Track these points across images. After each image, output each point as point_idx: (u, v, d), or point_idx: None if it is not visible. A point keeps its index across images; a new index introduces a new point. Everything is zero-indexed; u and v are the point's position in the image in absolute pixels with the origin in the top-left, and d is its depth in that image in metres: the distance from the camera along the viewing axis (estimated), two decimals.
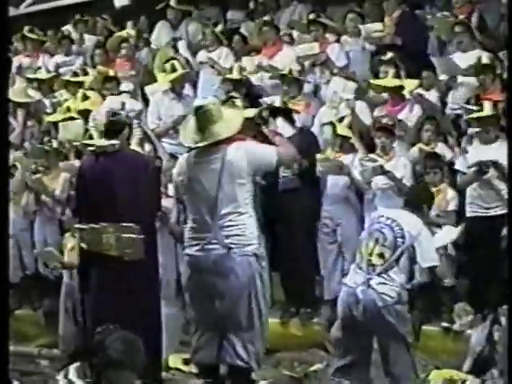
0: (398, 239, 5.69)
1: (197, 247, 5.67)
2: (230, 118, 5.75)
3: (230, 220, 5.58)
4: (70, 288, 7.39)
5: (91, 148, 6.31)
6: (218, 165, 5.58)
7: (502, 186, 6.95)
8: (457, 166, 7.32)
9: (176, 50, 10.24)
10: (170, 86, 9.01)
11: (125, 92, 9.35)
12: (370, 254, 5.69)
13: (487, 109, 7.19)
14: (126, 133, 6.16)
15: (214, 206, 5.58)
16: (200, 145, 5.65)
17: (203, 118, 5.63)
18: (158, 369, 6.22)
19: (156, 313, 6.08)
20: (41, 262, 8.35)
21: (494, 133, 7.16)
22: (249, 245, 5.60)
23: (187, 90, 9.32)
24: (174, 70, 9.05)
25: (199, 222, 5.68)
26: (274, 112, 7.62)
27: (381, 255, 5.68)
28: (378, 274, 5.63)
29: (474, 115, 7.31)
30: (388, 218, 5.78)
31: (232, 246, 5.57)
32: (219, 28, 10.16)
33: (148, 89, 9.57)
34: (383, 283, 5.61)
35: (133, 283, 5.87)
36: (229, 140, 5.63)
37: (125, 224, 5.83)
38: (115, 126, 6.10)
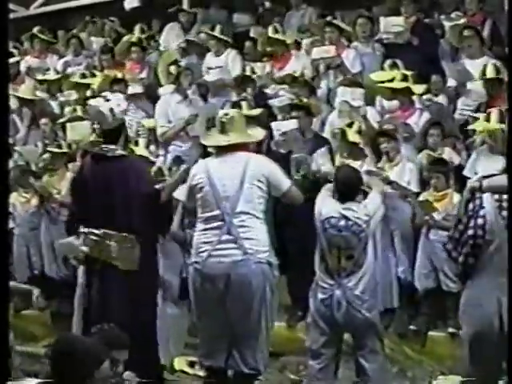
0: (360, 235, 5.79)
1: (209, 252, 5.67)
2: (253, 131, 6.13)
3: (246, 221, 5.66)
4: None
5: (93, 151, 6.25)
6: (240, 168, 5.75)
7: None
8: (465, 173, 7.31)
9: (185, 52, 10.23)
10: (175, 87, 9.04)
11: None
12: (339, 261, 5.80)
13: (494, 120, 7.18)
14: (124, 134, 6.12)
15: (234, 203, 5.67)
16: (223, 144, 5.85)
17: (228, 122, 5.89)
18: (158, 369, 6.21)
19: (151, 321, 6.00)
20: (60, 256, 8.32)
21: (501, 145, 7.15)
22: (263, 251, 5.65)
23: (193, 93, 9.31)
24: (179, 71, 9.11)
25: (213, 220, 5.70)
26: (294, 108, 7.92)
27: (349, 257, 5.80)
28: (351, 274, 5.78)
29: (480, 127, 7.35)
30: (340, 219, 5.82)
31: (248, 250, 5.61)
32: (220, 30, 10.06)
33: (161, 91, 9.58)
34: (357, 282, 5.78)
35: (128, 290, 5.83)
36: (250, 151, 5.92)
37: (122, 234, 5.81)
38: (112, 133, 6.04)
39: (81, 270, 7.38)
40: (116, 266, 5.86)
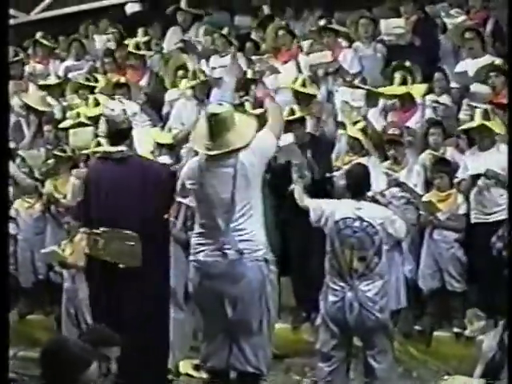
0: (374, 237, 5.80)
1: (206, 252, 5.65)
2: (243, 128, 5.70)
3: (243, 223, 5.57)
4: (72, 292, 7.45)
5: (98, 154, 6.33)
6: (231, 169, 5.56)
7: (499, 192, 6.95)
8: (458, 174, 7.33)
9: (185, 52, 10.23)
10: (192, 92, 9.05)
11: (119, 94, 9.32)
12: (351, 262, 5.79)
13: (477, 118, 7.21)
14: (130, 137, 6.11)
15: (230, 209, 5.55)
16: (213, 153, 5.61)
17: (216, 125, 5.58)
18: (166, 373, 6.21)
19: (160, 322, 5.96)
20: (44, 263, 8.39)
21: (490, 140, 7.17)
22: (259, 250, 5.61)
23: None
24: (195, 76, 9.10)
25: (209, 226, 5.65)
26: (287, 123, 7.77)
27: (362, 258, 5.80)
28: (363, 276, 5.78)
29: (464, 126, 7.43)
30: (355, 220, 5.82)
31: (244, 251, 5.58)
32: (227, 32, 10.13)
33: (168, 94, 9.59)
34: (369, 284, 5.79)
35: (132, 290, 5.81)
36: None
37: (123, 231, 5.81)
38: (120, 134, 6.03)
39: (65, 274, 7.50)
40: (114, 264, 5.85)
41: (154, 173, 6.06)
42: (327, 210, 5.96)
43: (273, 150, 5.82)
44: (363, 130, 7.76)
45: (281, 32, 9.62)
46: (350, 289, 5.80)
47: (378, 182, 7.15)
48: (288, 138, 7.66)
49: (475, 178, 7.08)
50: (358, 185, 6.07)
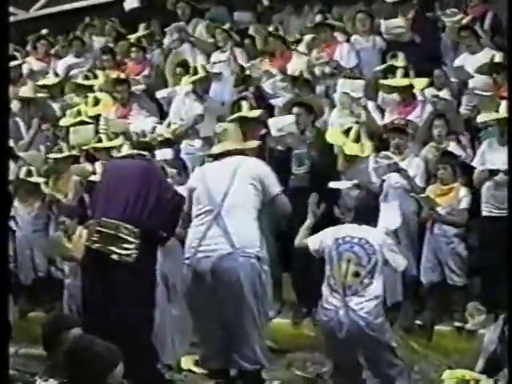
0: (371, 256, 5.78)
1: (197, 248, 5.69)
2: (246, 142, 6.31)
3: (235, 215, 5.71)
4: (73, 289, 7.45)
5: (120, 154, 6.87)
6: (232, 166, 5.88)
7: None
8: (474, 163, 7.29)
9: (181, 42, 10.23)
10: (192, 87, 9.05)
11: (152, 116, 9.35)
12: (345, 276, 5.75)
13: (503, 111, 7.13)
14: (153, 150, 6.75)
15: (224, 197, 5.75)
16: (217, 151, 6.10)
17: (222, 134, 6.21)
18: (155, 369, 6.18)
19: (144, 319, 5.95)
20: (45, 257, 8.43)
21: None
22: (251, 246, 5.64)
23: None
24: (195, 71, 9.11)
25: (204, 215, 5.77)
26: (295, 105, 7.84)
27: (356, 274, 5.75)
28: (356, 293, 5.71)
29: (492, 117, 7.28)
30: (354, 237, 5.82)
31: (235, 244, 5.63)
32: (228, 27, 10.14)
33: (159, 93, 9.59)
34: (361, 302, 5.70)
35: (119, 285, 5.83)
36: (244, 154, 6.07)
37: (125, 224, 5.83)
38: (143, 146, 6.55)
39: (67, 270, 7.52)
40: (107, 256, 5.85)
41: (166, 186, 6.21)
42: (330, 234, 5.93)
43: (268, 195, 5.96)
44: (358, 137, 7.68)
45: (270, 39, 9.55)
46: (342, 306, 5.69)
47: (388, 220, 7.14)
48: (288, 119, 7.69)
49: (492, 171, 7.04)
50: (365, 213, 6.05)
